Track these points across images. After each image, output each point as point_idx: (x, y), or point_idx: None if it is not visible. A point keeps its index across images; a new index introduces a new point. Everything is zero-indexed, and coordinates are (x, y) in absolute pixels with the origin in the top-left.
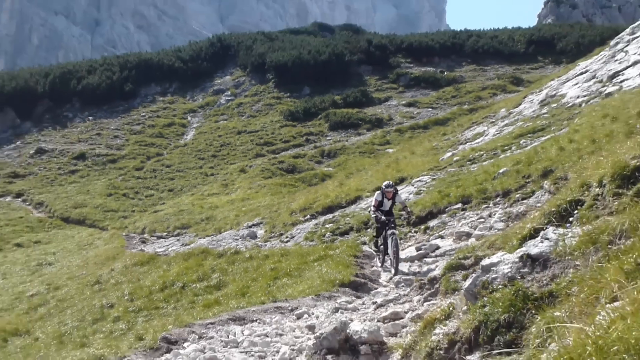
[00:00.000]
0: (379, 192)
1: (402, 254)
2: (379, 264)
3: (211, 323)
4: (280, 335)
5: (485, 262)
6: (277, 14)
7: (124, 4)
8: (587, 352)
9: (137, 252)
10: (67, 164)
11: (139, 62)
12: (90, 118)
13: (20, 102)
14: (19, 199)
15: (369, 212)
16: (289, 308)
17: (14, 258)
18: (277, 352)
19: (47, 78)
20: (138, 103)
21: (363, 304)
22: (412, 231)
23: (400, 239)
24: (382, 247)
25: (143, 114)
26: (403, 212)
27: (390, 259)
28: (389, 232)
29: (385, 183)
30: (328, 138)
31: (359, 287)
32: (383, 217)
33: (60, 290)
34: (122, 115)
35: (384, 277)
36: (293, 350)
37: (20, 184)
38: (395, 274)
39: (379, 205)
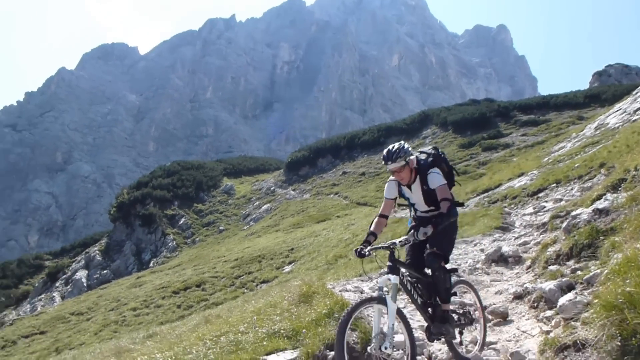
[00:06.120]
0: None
1: (525, 210)
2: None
3: None
4: (467, 254)
5: (573, 213)
6: (449, 97)
7: (376, 100)
8: (638, 257)
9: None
10: (355, 177)
11: (386, 127)
12: (365, 156)
13: (334, 151)
14: (337, 195)
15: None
16: (470, 240)
17: (336, 223)
18: (466, 262)
19: (345, 138)
20: (385, 146)
21: (506, 237)
22: (529, 200)
23: (516, 206)
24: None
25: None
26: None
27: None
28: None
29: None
30: (481, 155)
31: (504, 229)
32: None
33: (358, 236)
34: (379, 153)
35: (517, 223)
36: (473, 261)
37: (336, 188)
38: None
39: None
